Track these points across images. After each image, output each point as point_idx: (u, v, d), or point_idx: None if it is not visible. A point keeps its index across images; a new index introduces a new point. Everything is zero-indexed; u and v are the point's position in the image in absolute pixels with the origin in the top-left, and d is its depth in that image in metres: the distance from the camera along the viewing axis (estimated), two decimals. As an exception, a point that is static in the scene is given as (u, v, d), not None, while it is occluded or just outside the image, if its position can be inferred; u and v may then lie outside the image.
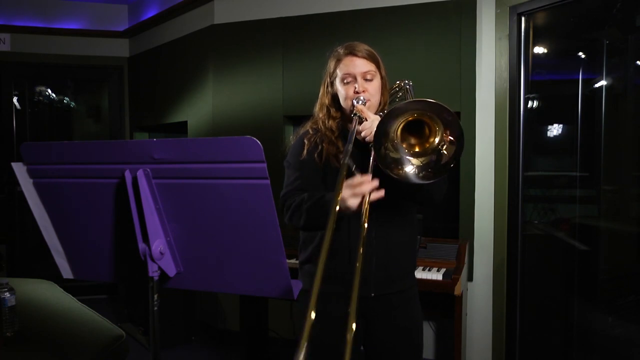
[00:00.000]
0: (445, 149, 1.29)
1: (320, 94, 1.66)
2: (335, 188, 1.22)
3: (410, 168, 1.32)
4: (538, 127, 2.93)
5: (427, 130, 1.32)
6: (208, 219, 1.14)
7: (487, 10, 2.73)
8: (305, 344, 0.81)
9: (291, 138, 1.70)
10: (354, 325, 0.92)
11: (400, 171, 1.32)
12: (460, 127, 1.26)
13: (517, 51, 2.63)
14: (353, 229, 1.53)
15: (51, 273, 1.74)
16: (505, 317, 2.73)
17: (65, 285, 2.38)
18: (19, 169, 1.22)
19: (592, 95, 2.70)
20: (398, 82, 1.72)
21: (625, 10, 2.47)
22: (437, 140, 1.31)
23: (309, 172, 1.57)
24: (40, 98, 4.68)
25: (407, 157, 1.33)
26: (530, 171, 2.80)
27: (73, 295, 2.39)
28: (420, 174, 1.31)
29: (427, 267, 2.44)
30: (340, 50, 1.60)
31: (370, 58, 1.57)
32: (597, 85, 2.69)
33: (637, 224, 2.63)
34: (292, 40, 3.22)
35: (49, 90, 4.70)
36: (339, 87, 1.58)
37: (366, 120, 1.45)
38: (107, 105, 4.74)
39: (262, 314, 3.18)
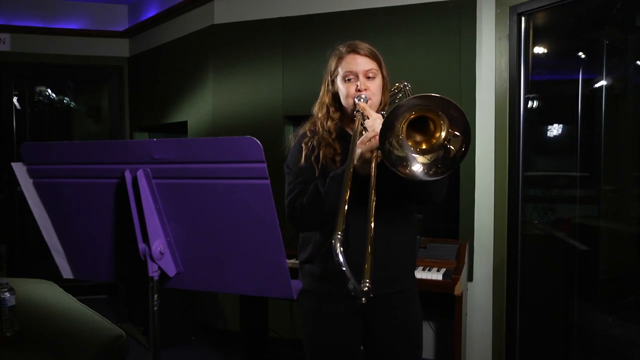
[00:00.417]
0: (452, 144, 1.28)
1: (321, 93, 1.65)
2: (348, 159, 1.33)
3: (418, 167, 1.30)
4: (538, 127, 2.93)
5: (432, 126, 1.31)
6: (208, 219, 1.14)
7: (487, 10, 2.73)
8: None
9: (290, 137, 1.70)
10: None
11: (407, 170, 1.30)
12: (466, 119, 1.24)
13: (517, 51, 2.64)
14: (352, 229, 1.53)
15: (51, 273, 1.73)
16: (505, 317, 2.73)
17: (65, 285, 2.38)
18: (19, 169, 1.22)
19: (592, 95, 2.70)
20: (397, 84, 1.72)
21: (625, 10, 2.47)
22: (443, 134, 1.29)
23: (309, 178, 1.56)
24: (40, 98, 4.68)
25: (413, 154, 1.31)
26: (530, 171, 2.80)
27: (73, 295, 2.39)
28: (430, 171, 1.30)
29: (427, 267, 2.44)
30: (342, 49, 1.59)
31: (372, 56, 1.57)
32: (597, 85, 2.69)
33: (637, 224, 2.63)
34: (292, 40, 3.22)
35: (49, 90, 4.70)
36: (340, 85, 1.58)
37: (368, 118, 1.45)
38: (107, 105, 4.74)
39: (262, 314, 3.18)
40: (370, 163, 1.36)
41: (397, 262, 1.60)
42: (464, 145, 1.27)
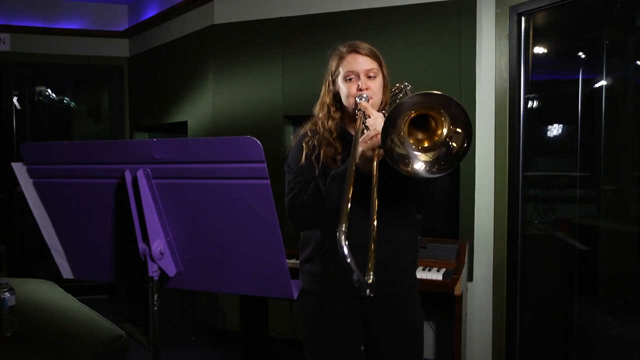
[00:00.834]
0: (453, 141, 1.28)
1: (322, 93, 1.65)
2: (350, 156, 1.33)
3: (420, 164, 1.30)
4: (538, 127, 2.93)
5: (433, 124, 1.31)
6: (208, 219, 1.14)
7: (487, 10, 2.73)
8: None
9: (291, 138, 1.70)
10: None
11: (409, 167, 1.30)
12: (467, 116, 1.24)
13: (517, 51, 2.63)
14: (354, 228, 1.53)
15: (51, 273, 1.73)
16: (505, 317, 2.73)
17: (65, 285, 2.38)
18: (19, 169, 1.22)
19: (592, 95, 2.70)
20: (397, 84, 1.72)
21: (625, 10, 2.47)
22: (445, 132, 1.29)
23: (309, 177, 1.57)
24: (40, 98, 4.68)
25: (415, 152, 1.31)
26: (530, 171, 2.80)
27: (73, 295, 2.39)
28: (433, 169, 1.30)
29: (427, 267, 2.44)
30: (343, 49, 1.59)
31: (373, 56, 1.57)
32: (597, 85, 2.69)
33: (637, 224, 2.63)
34: (292, 40, 3.22)
35: (49, 90, 4.70)
36: (341, 85, 1.58)
37: (369, 117, 1.45)
38: (107, 105, 4.74)
39: (262, 314, 3.18)
40: (372, 161, 1.36)
41: (398, 262, 1.60)
42: (465, 142, 1.27)
